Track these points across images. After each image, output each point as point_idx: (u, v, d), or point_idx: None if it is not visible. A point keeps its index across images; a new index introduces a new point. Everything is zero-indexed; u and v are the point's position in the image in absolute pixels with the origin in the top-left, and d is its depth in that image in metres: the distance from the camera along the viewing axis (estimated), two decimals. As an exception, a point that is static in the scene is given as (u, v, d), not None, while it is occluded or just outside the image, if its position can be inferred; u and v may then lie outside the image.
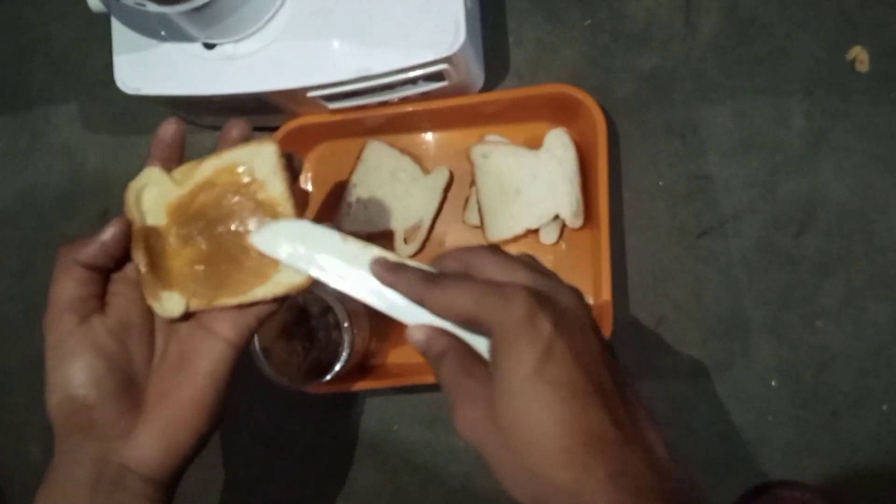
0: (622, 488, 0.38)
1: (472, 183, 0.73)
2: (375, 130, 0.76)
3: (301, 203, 0.50)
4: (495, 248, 0.45)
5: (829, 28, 0.72)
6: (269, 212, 0.49)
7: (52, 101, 0.84)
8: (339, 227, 0.53)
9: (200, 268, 0.50)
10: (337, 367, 0.65)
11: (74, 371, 0.47)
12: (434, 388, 0.73)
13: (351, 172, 0.75)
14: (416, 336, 0.45)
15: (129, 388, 0.49)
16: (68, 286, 0.48)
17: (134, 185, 0.51)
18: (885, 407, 0.70)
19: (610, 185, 0.68)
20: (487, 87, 0.75)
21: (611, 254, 0.67)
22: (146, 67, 0.68)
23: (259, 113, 0.72)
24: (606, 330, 0.66)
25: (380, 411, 0.75)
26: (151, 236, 0.50)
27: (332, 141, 0.77)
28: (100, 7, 0.67)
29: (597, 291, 0.70)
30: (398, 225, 0.74)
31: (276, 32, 0.65)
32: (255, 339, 0.64)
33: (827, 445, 0.71)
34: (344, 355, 0.65)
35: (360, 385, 0.71)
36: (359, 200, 0.75)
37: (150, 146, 0.53)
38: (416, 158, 0.75)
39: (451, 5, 0.63)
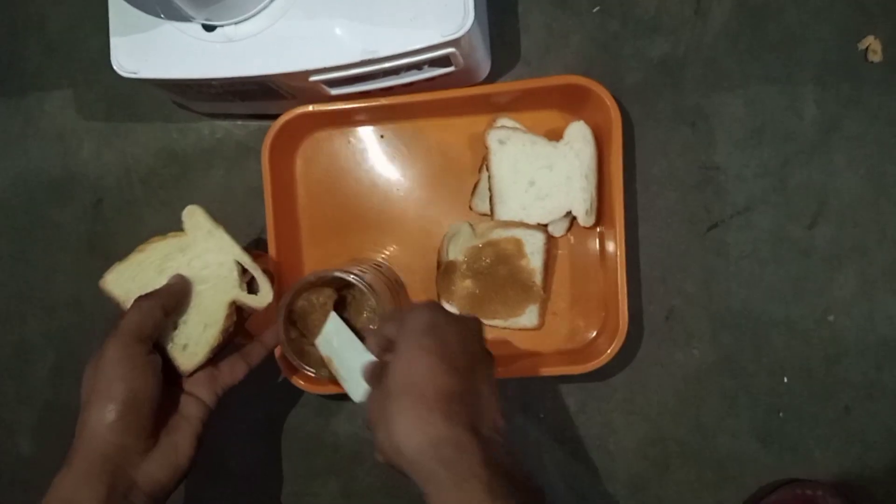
0: (456, 434, 0.47)
1: (481, 168, 0.72)
2: (378, 118, 0.74)
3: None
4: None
5: (841, 16, 0.71)
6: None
7: (46, 86, 0.82)
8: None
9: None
10: None
11: (142, 385, 0.57)
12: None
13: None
14: (365, 372, 0.58)
15: (159, 415, 0.59)
16: (147, 321, 0.58)
17: None
18: (898, 402, 0.68)
19: (623, 178, 0.66)
20: (495, 74, 0.74)
21: (625, 251, 0.66)
22: (144, 50, 0.65)
23: (259, 99, 0.70)
24: (621, 330, 0.65)
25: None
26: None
27: (334, 129, 0.75)
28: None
29: (609, 290, 0.68)
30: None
31: (278, 13, 0.63)
32: (282, 331, 0.66)
33: (839, 440, 0.70)
34: None
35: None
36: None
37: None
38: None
39: (458, -14, 0.61)
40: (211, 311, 0.62)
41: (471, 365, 0.51)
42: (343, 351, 0.62)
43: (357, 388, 0.59)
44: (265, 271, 0.63)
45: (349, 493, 0.76)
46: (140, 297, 0.60)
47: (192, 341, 0.62)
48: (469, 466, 0.45)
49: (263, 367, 0.75)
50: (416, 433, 0.47)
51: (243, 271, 0.63)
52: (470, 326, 0.54)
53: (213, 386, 0.63)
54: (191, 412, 0.62)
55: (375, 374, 0.55)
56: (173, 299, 0.61)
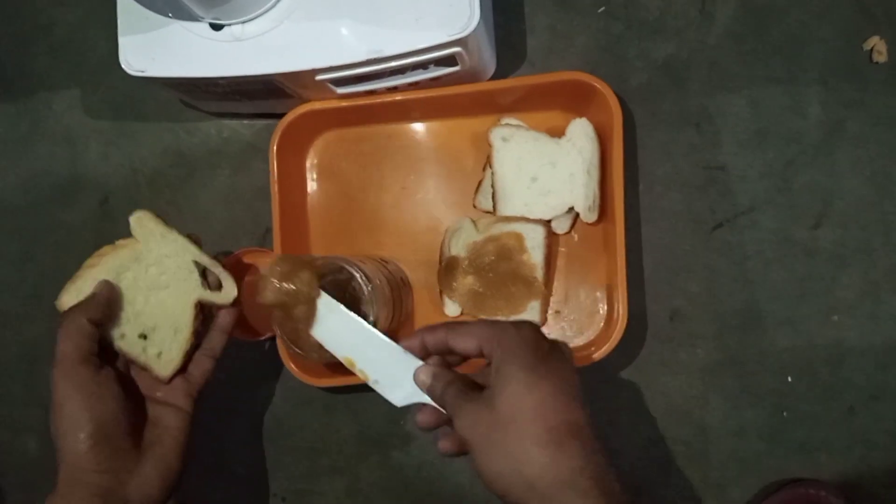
0: (591, 465, 0.46)
1: (485, 167, 0.72)
2: (384, 117, 0.74)
3: None
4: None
5: (846, 17, 0.71)
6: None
7: (54, 87, 0.82)
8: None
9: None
10: None
11: (100, 411, 0.56)
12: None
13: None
14: (422, 376, 0.53)
15: (133, 430, 0.59)
16: (82, 340, 0.57)
17: None
18: (902, 402, 0.68)
19: (625, 175, 0.66)
20: (499, 75, 0.74)
21: (626, 249, 0.66)
22: (152, 49, 0.66)
23: (266, 98, 0.70)
24: (621, 324, 0.65)
25: (386, 406, 0.73)
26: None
27: (340, 129, 0.76)
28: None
29: (611, 286, 0.69)
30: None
31: (285, 13, 0.64)
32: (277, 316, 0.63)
33: (843, 441, 0.69)
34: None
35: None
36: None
37: None
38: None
39: (464, -14, 0.61)
40: (177, 314, 0.62)
41: (580, 392, 0.49)
42: (361, 343, 0.58)
43: (394, 390, 0.55)
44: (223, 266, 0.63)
45: (353, 492, 0.76)
46: (64, 315, 0.59)
47: (165, 348, 0.62)
48: (611, 493, 0.45)
49: (264, 367, 0.76)
50: (552, 466, 0.45)
51: (202, 270, 0.63)
52: (565, 351, 0.52)
53: (187, 389, 0.63)
54: (170, 422, 0.61)
55: (453, 390, 0.51)
56: (99, 309, 0.59)
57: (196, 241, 0.63)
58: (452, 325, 0.53)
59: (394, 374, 0.55)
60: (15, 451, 0.81)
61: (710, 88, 0.72)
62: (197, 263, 0.62)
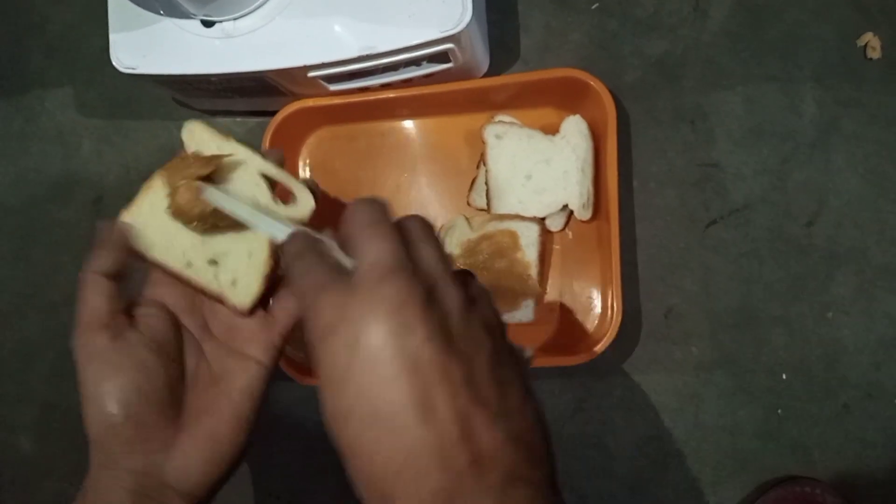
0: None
1: (479, 164, 0.72)
2: (377, 114, 0.74)
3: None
4: (373, 213, 0.41)
5: (840, 14, 0.71)
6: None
7: (47, 84, 0.82)
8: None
9: None
10: None
11: (119, 385, 0.48)
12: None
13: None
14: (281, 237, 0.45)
15: (170, 402, 0.50)
16: (97, 301, 0.49)
17: None
18: (897, 400, 0.68)
19: (619, 173, 0.66)
20: (493, 73, 0.74)
21: (621, 246, 0.66)
22: (143, 46, 0.66)
23: (259, 95, 0.70)
24: (615, 322, 0.65)
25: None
26: None
27: (333, 126, 0.76)
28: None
29: (605, 283, 0.68)
30: None
31: (276, 9, 0.63)
32: None
33: (838, 440, 0.69)
34: None
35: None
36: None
37: None
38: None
39: (457, -18, 0.61)
40: (250, 234, 0.52)
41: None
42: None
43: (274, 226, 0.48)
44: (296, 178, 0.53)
45: (348, 492, 0.75)
46: (81, 275, 0.50)
47: (241, 273, 0.52)
48: None
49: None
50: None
51: (272, 184, 0.53)
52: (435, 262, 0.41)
53: (267, 335, 0.52)
54: (233, 382, 0.50)
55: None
56: (111, 258, 0.50)
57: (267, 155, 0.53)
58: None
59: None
60: (8, 450, 0.81)
61: (705, 86, 0.72)
62: (265, 176, 0.52)
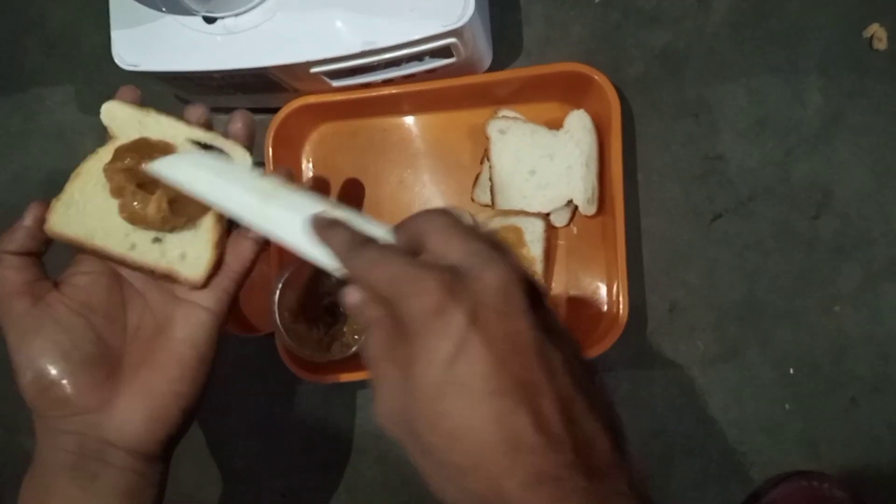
0: (537, 494, 0.34)
1: (483, 160, 0.71)
2: (380, 110, 0.73)
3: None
4: (445, 214, 0.40)
5: (846, 5, 0.71)
6: None
7: (47, 82, 0.82)
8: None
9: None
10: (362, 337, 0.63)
11: (39, 348, 0.47)
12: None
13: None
14: (352, 297, 0.40)
15: (101, 359, 0.48)
16: (7, 276, 0.48)
17: None
18: (905, 393, 0.68)
19: (623, 167, 0.66)
20: (496, 66, 0.73)
21: (626, 241, 0.65)
22: (145, 43, 0.65)
23: (261, 91, 0.70)
24: (621, 318, 0.65)
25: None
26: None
27: (336, 122, 0.75)
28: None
29: (610, 279, 0.68)
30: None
31: (278, 4, 0.63)
32: (276, 313, 0.63)
33: (845, 433, 0.69)
34: None
35: (363, 374, 0.68)
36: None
37: None
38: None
39: (459, -24, 0.60)
40: (192, 202, 0.49)
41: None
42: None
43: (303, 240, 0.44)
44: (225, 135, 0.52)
45: (350, 487, 0.75)
46: None
47: (188, 245, 0.50)
48: None
49: (262, 362, 0.75)
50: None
51: (204, 146, 0.51)
52: (505, 282, 0.38)
53: (216, 280, 0.50)
54: (173, 332, 0.49)
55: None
56: (17, 240, 0.49)
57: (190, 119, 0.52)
58: (358, 245, 0.40)
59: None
60: (10, 449, 0.81)
61: (709, 78, 0.71)
62: (194, 142, 0.51)
